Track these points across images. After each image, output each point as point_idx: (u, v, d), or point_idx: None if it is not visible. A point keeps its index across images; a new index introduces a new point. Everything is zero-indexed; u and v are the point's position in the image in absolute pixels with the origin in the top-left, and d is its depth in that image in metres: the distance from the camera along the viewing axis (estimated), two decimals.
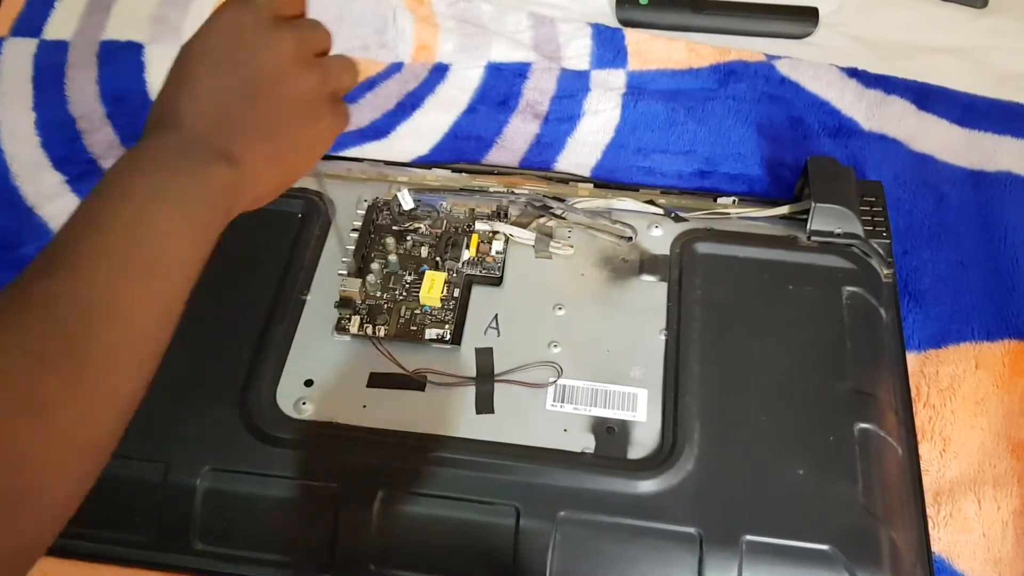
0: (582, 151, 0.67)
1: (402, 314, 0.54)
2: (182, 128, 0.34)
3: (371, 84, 0.71)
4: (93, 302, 0.29)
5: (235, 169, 0.35)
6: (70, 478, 0.28)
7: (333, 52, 0.40)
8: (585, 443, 0.49)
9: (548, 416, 0.50)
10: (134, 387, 0.30)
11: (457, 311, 0.54)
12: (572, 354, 0.52)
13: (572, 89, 0.71)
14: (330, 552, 0.47)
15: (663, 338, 0.53)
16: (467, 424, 0.49)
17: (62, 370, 0.27)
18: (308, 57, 0.38)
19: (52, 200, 0.64)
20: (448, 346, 0.52)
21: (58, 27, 0.75)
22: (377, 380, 0.51)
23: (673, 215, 0.59)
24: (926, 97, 0.69)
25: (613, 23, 0.75)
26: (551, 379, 0.51)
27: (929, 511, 0.49)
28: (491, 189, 0.61)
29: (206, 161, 0.34)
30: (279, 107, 0.37)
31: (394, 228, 0.58)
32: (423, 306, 0.54)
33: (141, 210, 0.31)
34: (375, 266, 0.55)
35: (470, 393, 0.51)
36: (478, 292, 0.55)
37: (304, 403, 0.50)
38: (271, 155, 0.37)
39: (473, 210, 0.59)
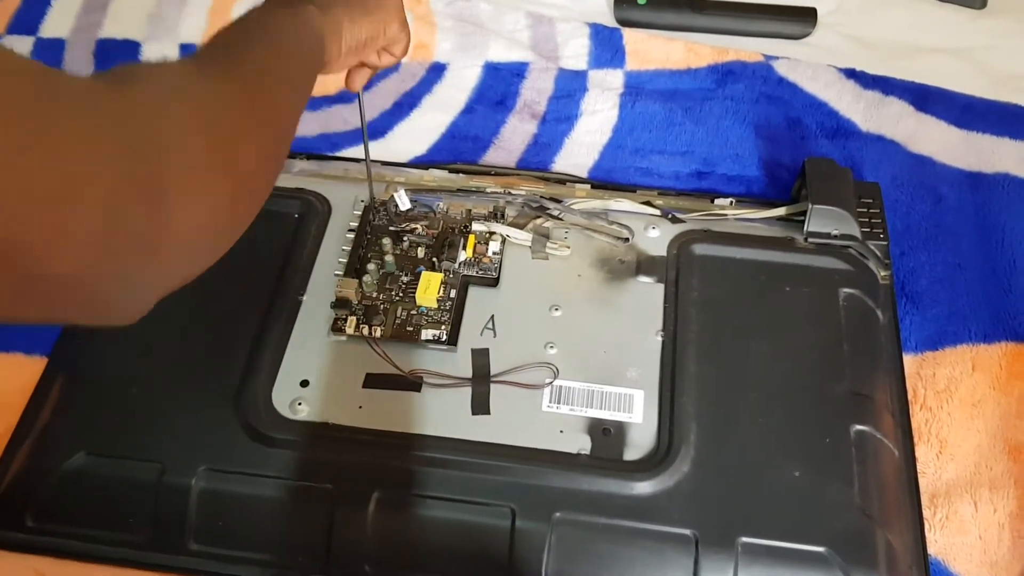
0: (579, 151, 0.67)
1: (398, 315, 0.53)
2: None
3: (368, 84, 0.71)
4: (267, 30, 0.39)
5: (321, 12, 0.43)
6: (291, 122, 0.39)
7: None
8: (581, 444, 0.49)
9: (544, 417, 0.50)
10: (283, 111, 0.39)
11: (453, 312, 0.54)
12: (568, 355, 0.52)
13: (570, 89, 0.71)
14: (325, 552, 0.47)
15: (659, 339, 0.53)
16: (463, 425, 0.49)
17: (250, 92, 0.36)
18: None
19: None
20: (444, 347, 0.52)
21: (55, 25, 0.75)
22: (373, 381, 0.51)
23: (670, 216, 0.59)
24: (924, 98, 0.69)
25: (611, 23, 0.75)
26: (547, 380, 0.51)
27: (925, 513, 0.49)
28: (488, 190, 0.60)
29: (298, 3, 0.42)
30: None
31: (391, 229, 0.57)
32: (419, 307, 0.54)
33: (271, 24, 0.40)
34: (371, 267, 0.55)
35: (466, 394, 0.51)
36: (474, 293, 0.55)
37: (300, 404, 0.50)
38: (349, 14, 0.45)
39: (470, 211, 0.58)
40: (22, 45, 0.74)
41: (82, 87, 0.28)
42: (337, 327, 0.53)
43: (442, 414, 0.50)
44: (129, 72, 0.31)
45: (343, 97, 0.70)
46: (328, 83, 0.71)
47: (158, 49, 0.73)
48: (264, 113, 0.37)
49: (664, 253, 0.57)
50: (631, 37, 0.74)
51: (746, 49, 0.73)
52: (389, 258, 0.55)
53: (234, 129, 0.34)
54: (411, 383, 0.51)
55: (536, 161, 0.66)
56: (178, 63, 0.35)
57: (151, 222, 0.28)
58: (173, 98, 0.31)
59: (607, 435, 0.49)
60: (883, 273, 0.57)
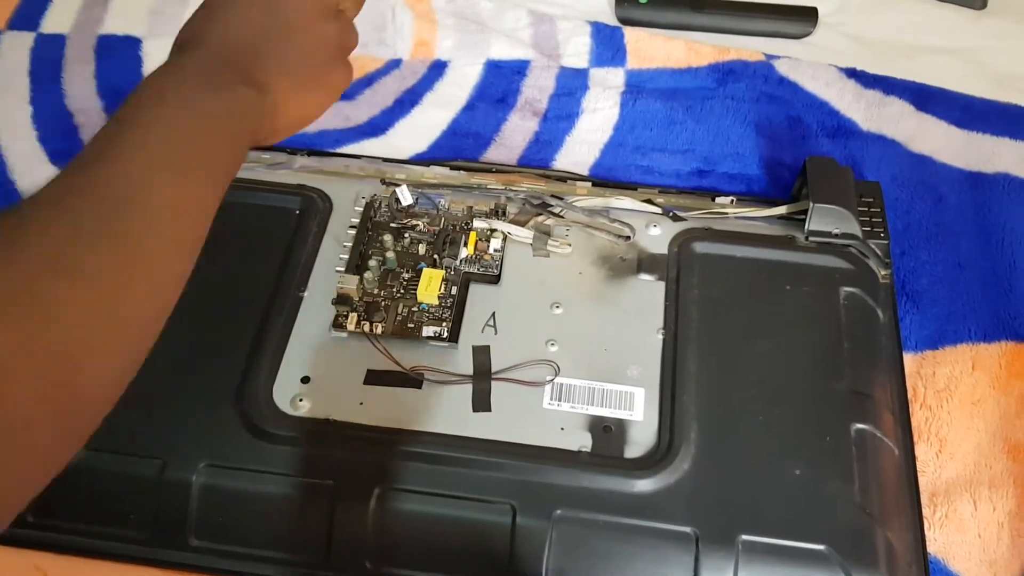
0: (580, 149, 0.67)
1: (399, 311, 0.53)
2: (212, 50, 0.36)
3: (369, 81, 0.71)
4: (131, 188, 0.30)
5: (260, 95, 0.36)
6: (116, 351, 0.29)
7: None
8: (582, 442, 0.49)
9: (545, 414, 0.50)
10: (171, 273, 0.32)
11: (454, 309, 0.54)
12: (569, 353, 0.52)
13: (571, 87, 0.71)
14: (326, 549, 0.47)
15: (660, 337, 0.53)
16: (464, 422, 0.49)
17: (103, 243, 0.28)
18: (332, 8, 0.40)
19: None
20: (445, 344, 0.52)
21: (56, 21, 0.75)
22: (374, 377, 0.51)
23: (671, 214, 0.59)
24: (925, 98, 0.69)
25: (612, 21, 0.75)
26: (548, 377, 0.51)
27: (925, 512, 0.49)
28: (489, 187, 0.60)
29: (233, 83, 0.35)
30: (303, 46, 0.38)
31: (392, 225, 0.58)
32: (420, 304, 0.54)
33: (174, 114, 0.33)
34: (373, 263, 0.55)
35: (467, 391, 0.51)
36: (476, 290, 0.55)
37: (300, 400, 0.50)
38: (292, 89, 0.38)
39: (471, 208, 0.59)
40: (23, 41, 0.73)
41: None
42: (338, 323, 0.53)
43: (443, 411, 0.50)
44: None
45: (344, 94, 0.70)
46: None
47: (159, 45, 0.73)
48: (140, 298, 0.29)
49: (665, 251, 0.57)
50: (632, 36, 0.74)
51: (747, 48, 0.73)
52: (390, 255, 0.55)
53: (80, 348, 0.26)
54: (412, 380, 0.51)
55: (537, 159, 0.66)
56: (13, 232, 0.26)
57: None
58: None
59: (608, 433, 0.49)
60: (883, 272, 0.57)
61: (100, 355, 0.28)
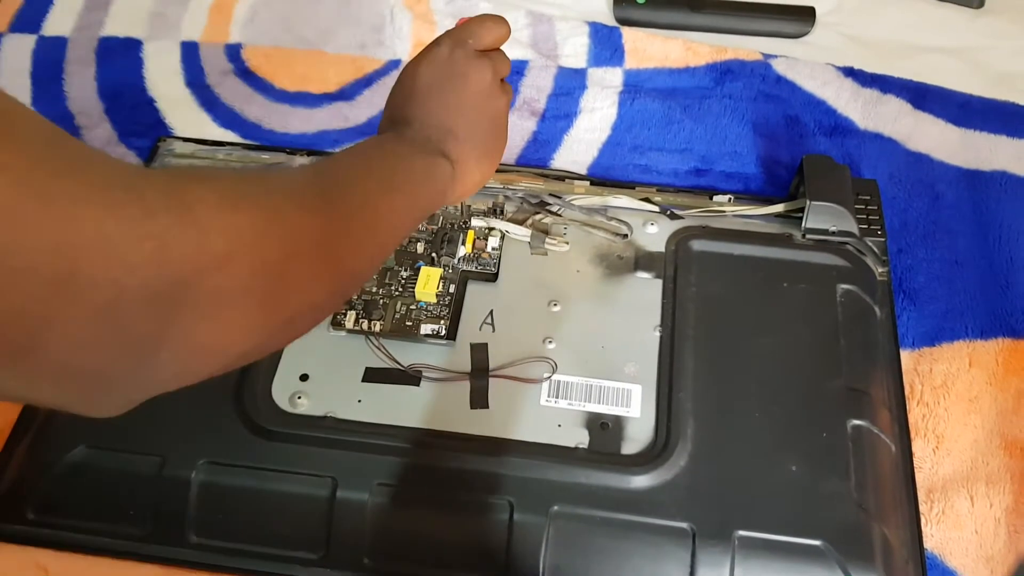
0: (579, 148, 0.67)
1: (398, 310, 0.54)
2: (415, 129, 0.44)
3: (368, 81, 0.72)
4: (364, 203, 0.37)
5: (453, 166, 0.44)
6: (351, 276, 0.37)
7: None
8: (579, 438, 0.49)
9: (542, 411, 0.50)
10: (373, 260, 0.39)
11: (452, 307, 0.54)
12: (567, 350, 0.52)
13: (569, 87, 0.71)
14: (324, 545, 0.47)
15: (658, 334, 0.53)
16: (462, 419, 0.50)
17: (339, 224, 0.35)
18: (499, 82, 0.47)
19: None
20: (443, 342, 0.52)
21: (57, 23, 0.75)
22: (372, 375, 0.51)
23: (669, 213, 0.59)
24: (922, 96, 0.69)
25: (610, 22, 0.76)
26: (545, 375, 0.51)
27: (922, 508, 0.49)
28: (487, 185, 0.61)
29: (434, 154, 0.43)
30: (483, 121, 0.46)
31: None
32: (418, 302, 0.54)
33: (394, 163, 0.41)
34: None
35: (465, 388, 0.51)
36: (473, 288, 0.55)
37: (299, 397, 0.50)
38: (477, 158, 0.46)
39: (469, 206, 0.59)
40: (24, 43, 0.74)
41: (137, 170, 0.26)
42: (337, 322, 0.53)
43: (441, 408, 0.50)
44: (194, 172, 0.30)
45: (343, 94, 0.71)
46: (328, 80, 0.71)
47: (160, 48, 0.73)
48: (346, 255, 0.35)
49: (662, 249, 0.57)
50: (630, 36, 0.74)
51: (744, 48, 0.73)
52: None
53: (300, 263, 0.31)
54: (410, 377, 0.51)
55: (535, 158, 0.67)
56: (265, 172, 0.34)
57: (157, 334, 0.26)
58: (232, 207, 0.28)
59: (605, 429, 0.49)
60: (880, 269, 0.57)
61: (357, 264, 0.37)
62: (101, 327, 0.25)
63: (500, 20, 0.48)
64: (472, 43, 0.46)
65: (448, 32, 0.47)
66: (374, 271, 0.41)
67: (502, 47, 0.49)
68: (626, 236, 0.58)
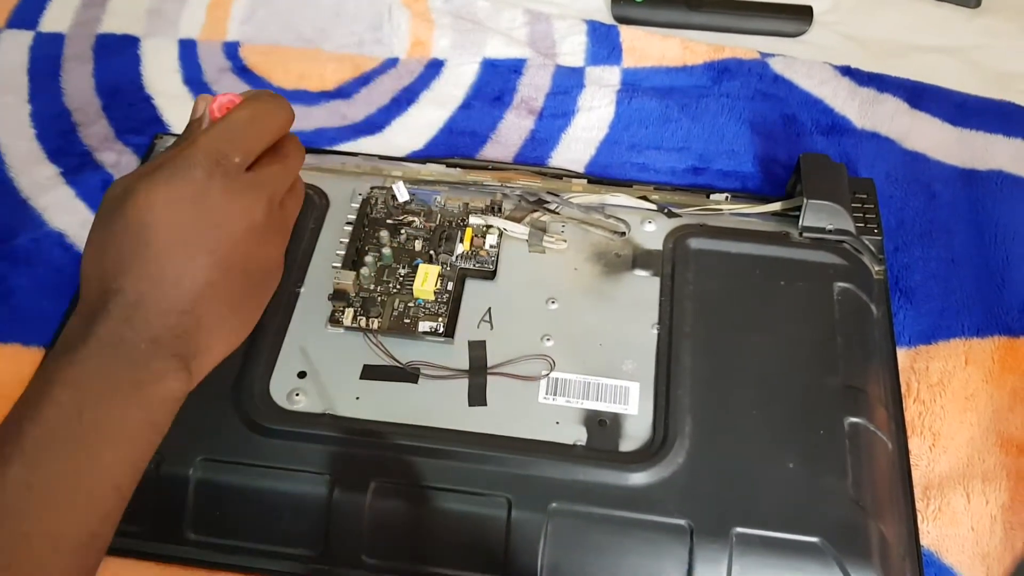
0: (576, 147, 0.67)
1: (395, 307, 0.54)
2: (138, 325, 0.31)
3: (366, 79, 0.72)
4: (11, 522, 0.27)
5: (187, 375, 0.32)
6: None
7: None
8: (577, 436, 0.49)
9: (540, 409, 0.50)
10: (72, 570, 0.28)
11: (450, 304, 0.54)
12: (565, 347, 0.52)
13: (567, 85, 0.71)
14: (323, 542, 0.47)
15: (655, 332, 0.53)
16: (460, 416, 0.50)
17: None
18: (276, 212, 0.35)
19: (46, 192, 0.64)
20: (441, 339, 0.52)
21: (54, 20, 0.75)
22: (370, 372, 0.51)
23: (666, 211, 0.59)
24: (919, 96, 0.70)
25: (608, 20, 0.76)
26: (543, 372, 0.51)
27: (918, 505, 0.50)
28: (485, 183, 0.61)
29: (161, 373, 0.31)
30: (246, 282, 0.34)
31: (388, 221, 0.58)
32: (416, 299, 0.54)
33: (77, 428, 0.29)
34: (369, 259, 0.55)
35: (463, 386, 0.51)
36: (471, 286, 0.55)
37: (297, 394, 0.50)
38: (229, 335, 0.34)
39: (467, 204, 0.59)
40: (22, 39, 0.74)
41: None
42: (335, 319, 0.53)
43: (439, 405, 0.50)
44: None
45: (340, 92, 0.71)
46: (326, 78, 0.71)
47: (157, 44, 0.73)
48: None
49: (660, 247, 0.57)
50: (628, 34, 0.74)
51: (742, 46, 0.73)
52: (387, 251, 0.56)
53: None
54: (408, 375, 0.51)
55: (533, 156, 0.67)
56: None
57: None
58: None
59: (603, 426, 0.50)
60: (877, 268, 0.57)
61: None
62: None
63: (274, 106, 0.34)
64: (239, 161, 0.33)
65: (198, 144, 0.32)
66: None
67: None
68: (624, 234, 0.58)
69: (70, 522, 0.29)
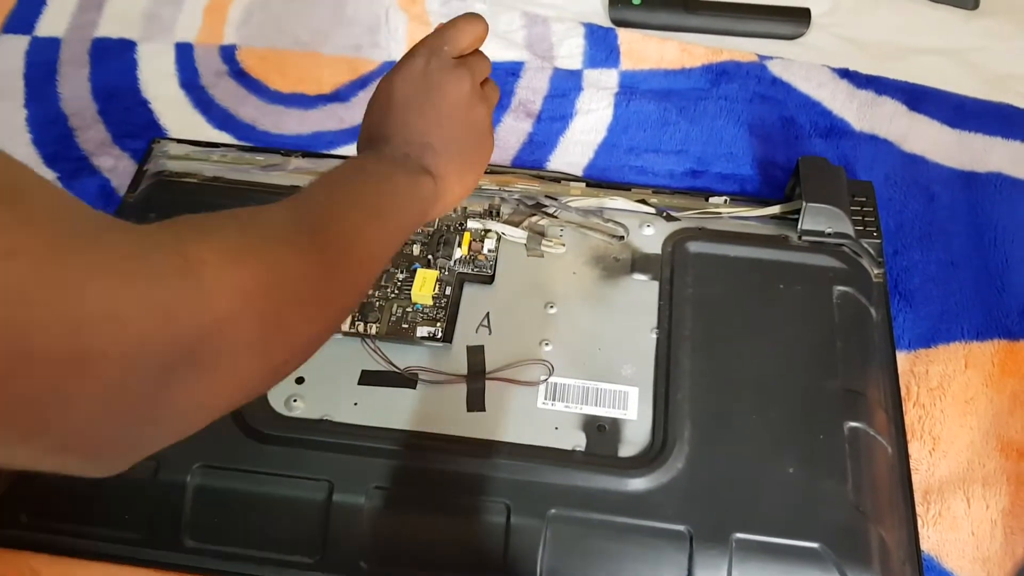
0: (574, 150, 0.67)
1: (394, 312, 0.54)
2: (394, 147, 0.43)
3: (364, 83, 0.71)
4: (351, 237, 0.37)
5: (435, 182, 0.43)
6: (322, 320, 0.36)
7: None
8: (576, 441, 0.49)
9: (539, 414, 0.50)
10: (363, 291, 0.40)
11: (449, 309, 0.54)
12: (563, 352, 0.52)
13: (565, 88, 0.71)
14: (321, 549, 0.47)
15: (654, 336, 0.53)
16: (458, 422, 0.50)
17: (332, 264, 0.35)
18: (479, 89, 0.46)
19: None
20: (439, 344, 0.52)
21: (50, 24, 0.75)
22: (368, 378, 0.51)
23: (665, 214, 0.59)
24: (917, 98, 0.70)
25: (606, 23, 0.76)
26: (542, 377, 0.51)
27: (918, 510, 0.49)
28: (483, 187, 0.61)
29: (416, 172, 0.42)
30: (464, 133, 0.45)
31: None
32: (415, 304, 0.54)
33: (376, 186, 0.41)
34: None
35: (461, 391, 0.51)
36: (470, 290, 0.55)
37: (295, 400, 0.50)
38: (458, 171, 0.45)
39: (465, 208, 0.59)
40: (18, 44, 0.74)
41: (141, 233, 0.26)
42: None
43: (437, 411, 0.50)
44: (195, 225, 0.29)
45: (338, 96, 0.70)
46: (323, 82, 0.71)
47: (153, 49, 0.73)
48: (338, 293, 0.35)
49: (659, 251, 0.57)
50: (626, 37, 0.74)
51: (740, 49, 0.73)
52: None
53: (297, 309, 0.31)
54: (406, 380, 0.51)
55: (531, 160, 0.66)
56: (258, 215, 0.32)
57: (162, 399, 0.26)
58: (234, 263, 0.28)
59: (602, 432, 0.49)
60: (876, 271, 0.57)
61: (349, 298, 0.38)
62: (110, 401, 0.24)
63: (475, 20, 0.46)
64: (448, 50, 0.45)
65: (422, 41, 0.46)
66: (362, 299, 0.40)
67: (482, 47, 0.48)
68: (622, 238, 0.58)
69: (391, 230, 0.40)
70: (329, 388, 0.51)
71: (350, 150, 0.66)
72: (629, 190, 0.62)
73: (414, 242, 0.57)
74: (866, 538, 0.46)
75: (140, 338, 0.24)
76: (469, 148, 0.46)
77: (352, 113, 0.69)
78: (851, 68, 0.71)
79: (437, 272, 0.54)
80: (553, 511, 0.46)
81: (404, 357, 0.52)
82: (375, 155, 0.43)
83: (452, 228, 0.57)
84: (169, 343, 0.26)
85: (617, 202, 0.60)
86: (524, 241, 0.57)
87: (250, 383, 0.31)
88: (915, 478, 0.51)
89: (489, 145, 0.47)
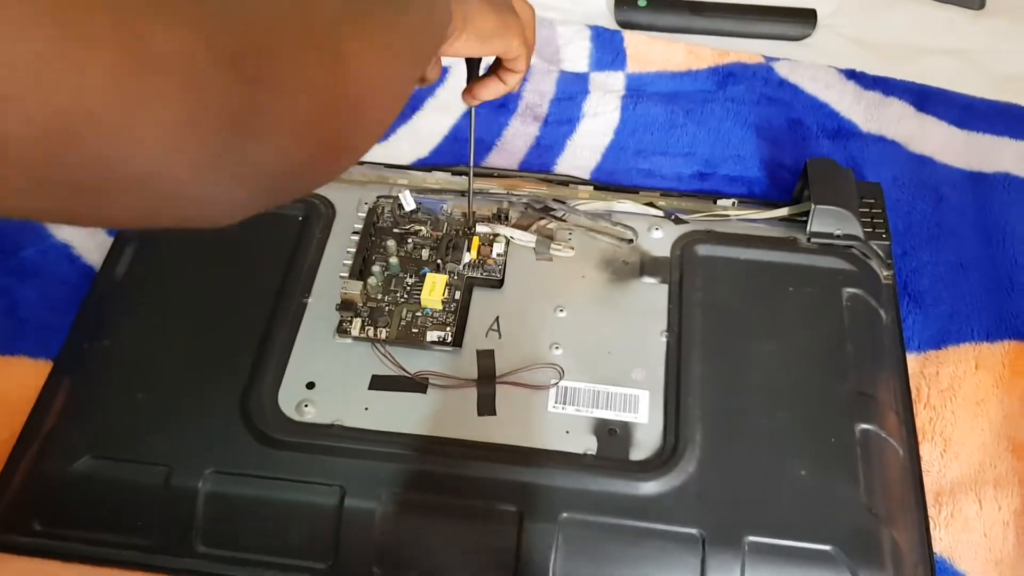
0: (582, 153, 0.67)
1: (403, 316, 0.54)
2: None
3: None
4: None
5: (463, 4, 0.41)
6: (380, 103, 0.32)
7: None
8: (587, 445, 0.49)
9: (550, 418, 0.50)
10: (408, 79, 0.35)
11: (458, 313, 0.54)
12: (573, 356, 0.52)
13: (571, 91, 0.71)
14: (333, 554, 0.47)
15: (664, 340, 0.53)
16: (469, 426, 0.50)
17: (383, 36, 0.31)
18: None
19: None
20: (449, 348, 0.52)
21: None
22: (379, 382, 0.51)
23: (673, 217, 0.59)
24: (924, 99, 0.70)
25: (612, 25, 0.76)
26: (552, 381, 0.51)
27: (930, 511, 0.49)
28: (491, 191, 0.61)
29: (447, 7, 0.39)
30: None
31: (395, 231, 0.58)
32: (424, 308, 0.54)
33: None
34: (376, 268, 0.55)
35: (472, 395, 0.51)
36: (479, 294, 0.55)
37: (306, 405, 0.50)
38: (480, 12, 0.42)
39: (474, 213, 0.59)
40: None
41: None
42: (342, 329, 0.53)
43: (448, 415, 0.50)
44: None
45: None
46: None
47: None
48: (382, 29, 0.31)
49: (668, 254, 0.57)
50: (632, 39, 0.74)
51: (746, 51, 0.73)
52: (394, 260, 0.56)
53: (344, 26, 0.29)
54: (417, 384, 0.51)
55: (538, 163, 0.66)
56: None
57: (242, 98, 0.23)
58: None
59: (613, 435, 0.49)
60: (886, 273, 0.57)
61: (372, 100, 0.32)
62: (185, 103, 0.22)
63: None
64: None
65: None
66: (407, 78, 0.35)
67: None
68: (631, 241, 0.58)
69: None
70: (340, 393, 0.51)
71: None
72: (637, 193, 0.62)
73: (423, 246, 0.57)
74: (879, 540, 0.46)
75: (192, 37, 0.22)
76: (496, 4, 0.43)
77: None
78: (858, 69, 0.71)
79: (446, 277, 0.54)
80: (565, 515, 0.46)
81: (414, 362, 0.52)
82: None
83: (460, 232, 0.57)
84: (220, 39, 0.23)
85: (625, 205, 0.60)
86: (533, 245, 0.57)
87: (325, 102, 0.28)
88: (926, 480, 0.50)
89: (514, 21, 0.45)
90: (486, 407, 0.50)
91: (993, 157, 0.66)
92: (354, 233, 0.57)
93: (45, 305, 0.59)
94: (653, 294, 0.55)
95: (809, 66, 0.72)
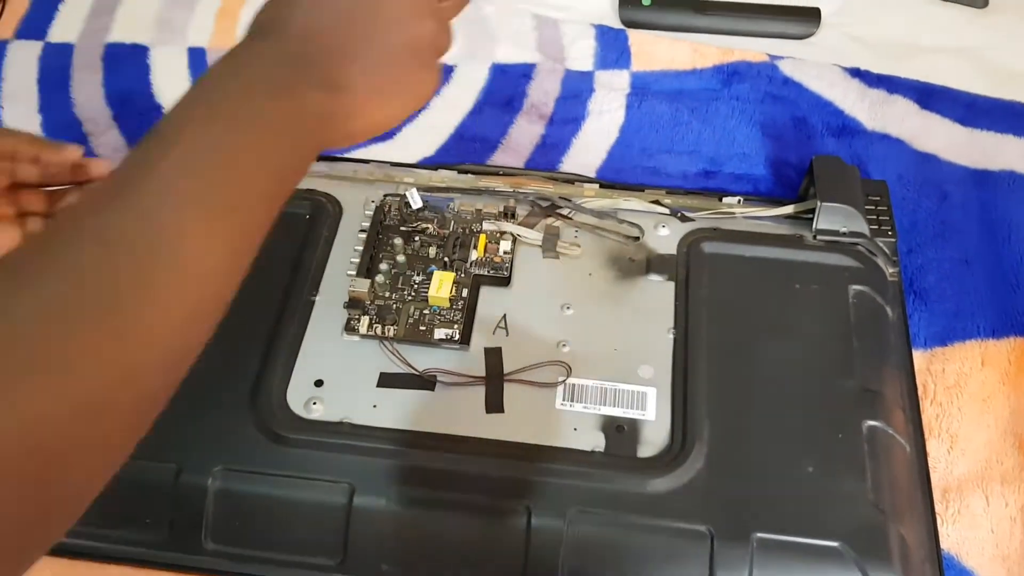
0: (587, 152, 0.67)
1: (411, 314, 0.54)
2: (287, 39, 0.32)
3: None
4: (150, 241, 0.25)
5: (335, 96, 0.32)
6: (102, 447, 0.25)
7: None
8: (595, 442, 0.49)
9: (558, 415, 0.50)
10: (187, 343, 0.27)
11: (465, 311, 0.54)
12: (581, 353, 0.52)
13: (576, 90, 0.71)
14: (341, 551, 0.47)
15: (671, 337, 0.53)
16: (477, 423, 0.50)
17: (105, 323, 0.23)
18: (431, 5, 0.36)
19: None
20: (457, 346, 0.52)
21: (63, 30, 0.75)
22: (387, 380, 0.51)
23: (679, 215, 0.59)
24: (929, 97, 0.70)
25: (616, 24, 0.76)
26: (560, 378, 0.51)
27: (937, 508, 0.49)
28: (497, 189, 0.61)
29: (307, 80, 0.31)
30: (394, 44, 0.34)
31: (402, 229, 0.58)
32: (432, 306, 0.54)
33: (221, 138, 0.28)
34: (383, 267, 0.55)
35: (480, 393, 0.51)
36: (486, 292, 0.55)
37: (314, 403, 0.50)
38: (374, 90, 0.34)
39: (480, 210, 0.59)
40: (31, 50, 0.74)
41: None
42: (350, 327, 0.53)
43: (456, 413, 0.50)
44: None
45: None
46: None
47: (166, 53, 0.73)
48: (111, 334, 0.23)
49: (674, 251, 0.57)
50: (636, 38, 0.74)
51: (751, 49, 0.73)
52: (401, 258, 0.56)
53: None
54: (425, 382, 0.51)
55: (544, 162, 0.67)
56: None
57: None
58: None
59: (621, 432, 0.49)
60: (891, 270, 0.57)
61: (83, 453, 0.24)
62: None
63: None
64: None
65: None
66: (192, 359, 0.27)
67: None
68: (638, 239, 0.58)
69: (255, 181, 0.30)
70: (348, 391, 0.51)
71: (363, 153, 0.66)
72: (643, 191, 0.62)
73: (430, 244, 0.57)
74: (886, 537, 0.46)
75: None
76: (399, 63, 0.34)
77: None
78: (862, 67, 0.71)
79: (454, 274, 0.55)
80: (573, 512, 0.47)
81: (422, 359, 0.52)
82: (249, 58, 0.31)
83: (467, 230, 0.58)
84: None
85: (631, 203, 0.60)
86: (539, 243, 0.57)
87: None
88: (933, 476, 0.51)
89: (430, 75, 0.36)
90: (494, 404, 0.50)
91: (997, 154, 0.66)
92: (361, 231, 0.57)
93: None
94: (660, 291, 0.55)
95: (813, 64, 0.72)
